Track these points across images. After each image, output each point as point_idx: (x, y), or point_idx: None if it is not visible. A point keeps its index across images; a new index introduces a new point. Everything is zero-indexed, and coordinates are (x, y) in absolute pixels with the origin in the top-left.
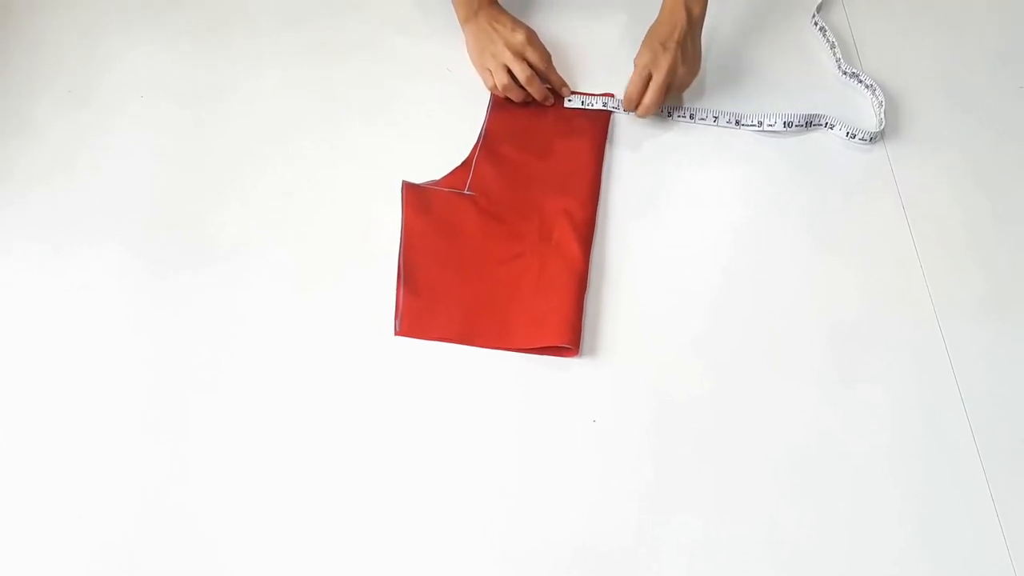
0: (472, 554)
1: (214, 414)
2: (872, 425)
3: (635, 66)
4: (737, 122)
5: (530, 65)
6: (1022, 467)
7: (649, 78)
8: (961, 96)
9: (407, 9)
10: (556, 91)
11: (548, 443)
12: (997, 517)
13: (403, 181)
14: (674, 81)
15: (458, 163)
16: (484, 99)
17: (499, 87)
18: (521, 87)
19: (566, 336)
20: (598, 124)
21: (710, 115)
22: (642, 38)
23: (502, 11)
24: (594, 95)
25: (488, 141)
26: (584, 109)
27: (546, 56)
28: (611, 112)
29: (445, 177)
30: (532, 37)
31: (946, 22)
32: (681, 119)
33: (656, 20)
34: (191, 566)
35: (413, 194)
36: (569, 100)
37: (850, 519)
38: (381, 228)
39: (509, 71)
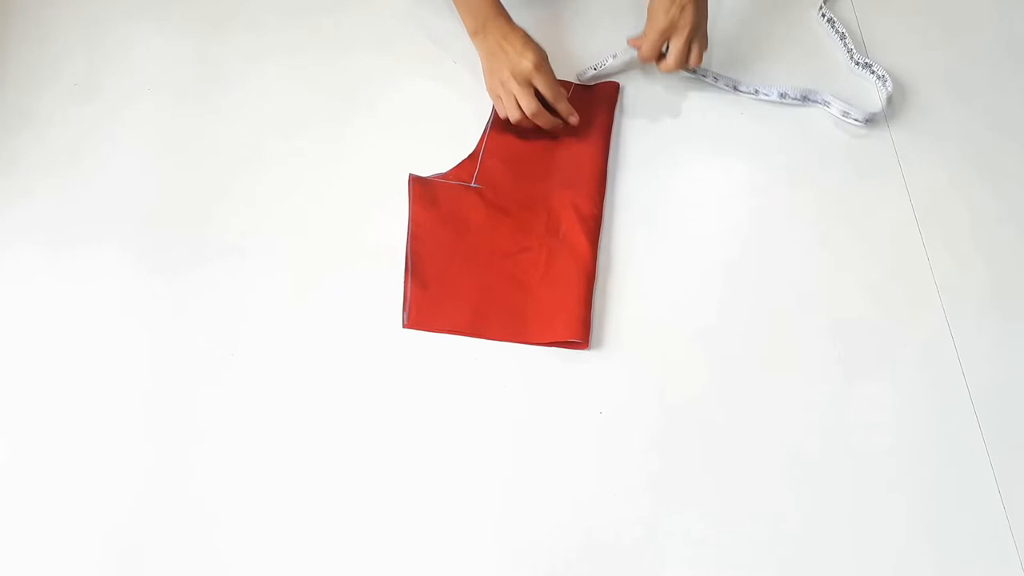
0: (479, 545)
1: (222, 409)
2: (878, 420)
3: (652, 21)
4: (735, 87)
5: (538, 92)
6: None
7: (667, 37)
8: (968, 88)
9: (411, 1)
10: (564, 119)
11: (555, 434)
12: (1005, 513)
13: (409, 174)
14: (696, 38)
15: (464, 156)
16: None
17: (510, 119)
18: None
19: (576, 331)
20: (604, 117)
21: (711, 75)
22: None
23: (512, 28)
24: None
25: (494, 134)
26: (592, 103)
27: (555, 84)
28: (615, 106)
29: (452, 170)
30: (540, 62)
31: (953, 14)
32: (689, 76)
33: None
34: (200, 561)
35: (420, 187)
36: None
37: (855, 515)
38: (388, 221)
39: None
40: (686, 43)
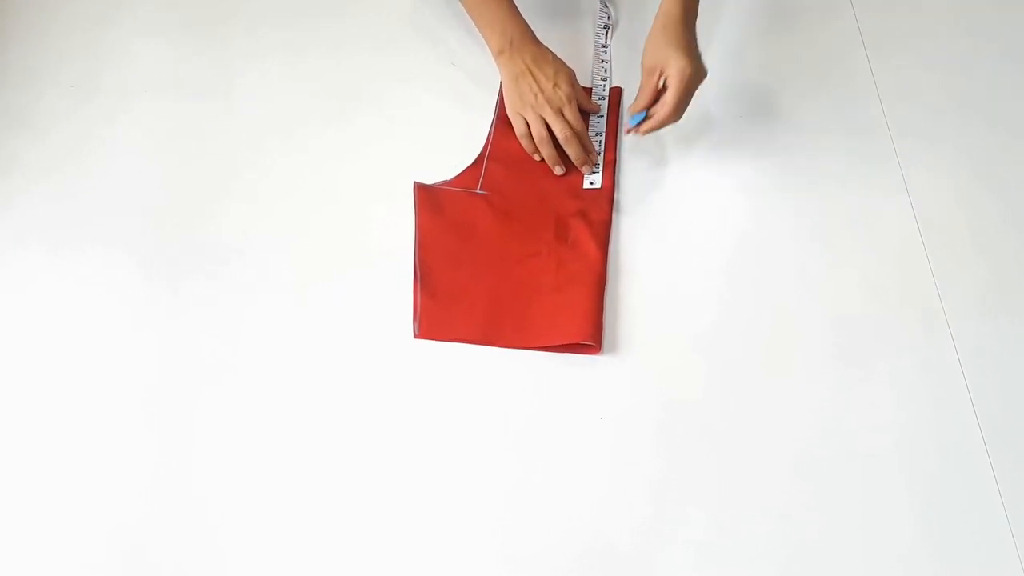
0: (487, 552)
1: (228, 416)
2: (879, 421)
3: (644, 68)
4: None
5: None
6: None
7: (661, 83)
8: (969, 93)
9: (411, 3)
10: (587, 152)
11: (563, 440)
12: (1004, 509)
13: (414, 182)
14: (695, 82)
15: (469, 162)
16: (492, 95)
17: (535, 139)
18: (552, 142)
19: (588, 333)
20: (609, 122)
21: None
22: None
23: (540, 50)
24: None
25: (498, 140)
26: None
27: (580, 118)
28: (619, 110)
29: (456, 177)
30: (572, 92)
31: (953, 18)
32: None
33: (656, 23)
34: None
35: (425, 195)
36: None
37: (857, 514)
38: (390, 225)
39: (546, 125)
40: (683, 85)
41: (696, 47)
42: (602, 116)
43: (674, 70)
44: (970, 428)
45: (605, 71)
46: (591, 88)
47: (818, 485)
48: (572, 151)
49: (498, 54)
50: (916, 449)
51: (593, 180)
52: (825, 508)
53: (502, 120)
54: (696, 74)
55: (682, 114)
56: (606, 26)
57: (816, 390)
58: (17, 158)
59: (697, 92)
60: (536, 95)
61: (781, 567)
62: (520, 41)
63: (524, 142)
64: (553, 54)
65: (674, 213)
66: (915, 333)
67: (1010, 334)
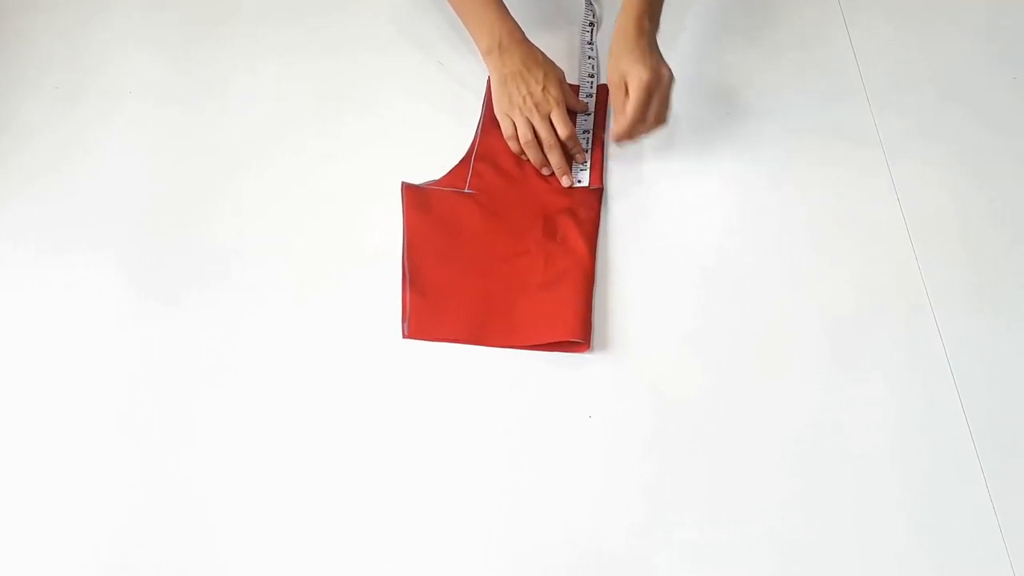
0: (477, 555)
1: (218, 420)
2: (869, 418)
3: (610, 83)
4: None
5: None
6: (1016, 457)
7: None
8: (956, 88)
9: (402, 4)
10: (570, 158)
11: (554, 441)
12: (992, 505)
13: (402, 182)
14: (658, 87)
15: (456, 162)
16: (479, 95)
17: (521, 142)
18: (540, 144)
19: (577, 330)
20: (596, 119)
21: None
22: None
23: (530, 50)
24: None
25: (485, 139)
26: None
27: (570, 123)
28: (606, 108)
29: (444, 176)
30: (561, 97)
31: (941, 14)
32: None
33: (615, 38)
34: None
35: (413, 194)
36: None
37: (847, 512)
38: (382, 230)
39: (533, 129)
40: (647, 87)
41: (652, 52)
42: (590, 114)
43: (632, 79)
44: (958, 424)
45: (592, 68)
46: (578, 86)
47: (808, 484)
48: (554, 159)
49: (487, 54)
50: (908, 447)
51: (580, 178)
52: (815, 506)
53: (489, 119)
54: (655, 78)
55: (659, 118)
56: (591, 24)
57: (807, 389)
58: (6, 161)
59: (685, 88)
60: (525, 98)
61: (775, 566)
62: (509, 41)
63: (511, 143)
64: (543, 54)
65: (662, 211)
66: (903, 331)
67: (996, 331)
